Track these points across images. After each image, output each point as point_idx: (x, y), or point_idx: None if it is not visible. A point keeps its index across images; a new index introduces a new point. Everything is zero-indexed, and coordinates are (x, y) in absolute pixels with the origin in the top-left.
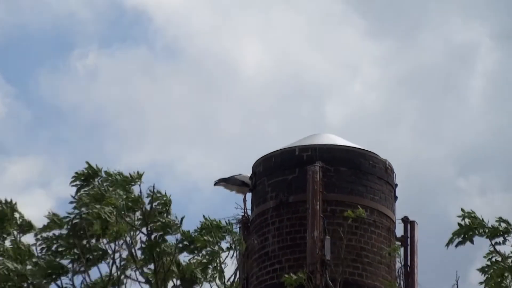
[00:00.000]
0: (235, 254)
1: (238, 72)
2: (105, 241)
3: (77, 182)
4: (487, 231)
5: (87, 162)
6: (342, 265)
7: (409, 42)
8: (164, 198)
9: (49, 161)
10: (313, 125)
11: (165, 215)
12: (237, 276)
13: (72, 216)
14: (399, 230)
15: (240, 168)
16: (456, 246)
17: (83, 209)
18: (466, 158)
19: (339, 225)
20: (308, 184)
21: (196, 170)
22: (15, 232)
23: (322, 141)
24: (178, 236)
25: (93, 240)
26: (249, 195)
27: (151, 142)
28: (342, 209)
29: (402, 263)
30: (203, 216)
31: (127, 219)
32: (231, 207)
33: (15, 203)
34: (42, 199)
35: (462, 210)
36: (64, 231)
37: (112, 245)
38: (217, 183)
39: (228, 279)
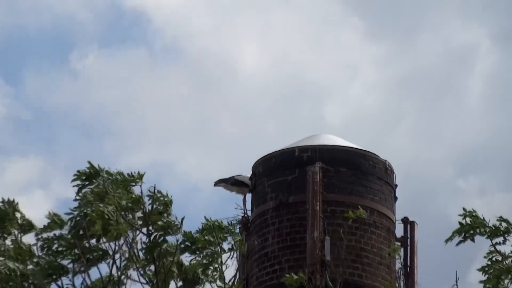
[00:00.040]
0: (235, 255)
1: (237, 72)
2: (105, 240)
3: (78, 182)
4: (488, 230)
5: (89, 162)
6: (342, 266)
7: (409, 43)
8: (165, 199)
9: (49, 161)
10: (313, 125)
11: (165, 215)
12: (237, 277)
13: (75, 213)
14: (399, 231)
15: (240, 168)
16: (457, 244)
17: (87, 207)
18: (465, 158)
19: (339, 226)
20: (308, 184)
21: (195, 171)
22: (16, 232)
23: (322, 142)
24: (179, 236)
25: (94, 241)
26: (249, 196)
27: (150, 142)
28: (342, 210)
29: (402, 263)
30: (205, 217)
31: (128, 218)
32: (231, 207)
33: (17, 203)
34: (42, 200)
35: (464, 209)
36: (64, 231)
37: (113, 245)
38: (217, 183)
39: (230, 280)
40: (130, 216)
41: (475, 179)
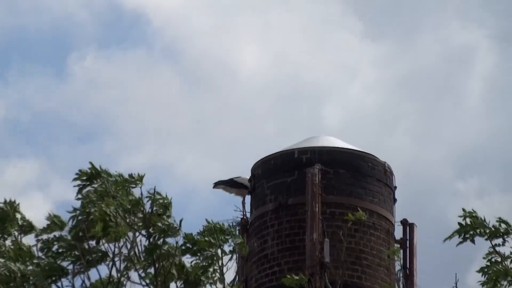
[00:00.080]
0: (234, 257)
1: (237, 73)
2: (104, 242)
3: (79, 182)
4: (487, 231)
5: (91, 162)
6: (342, 268)
7: (408, 43)
8: (165, 201)
9: (47, 163)
10: (312, 127)
11: (165, 217)
12: (237, 279)
13: (78, 212)
14: (398, 233)
15: (239, 170)
16: (457, 245)
17: (90, 206)
18: (464, 159)
19: (338, 228)
20: (307, 186)
21: (194, 172)
22: (16, 233)
23: (321, 144)
24: (178, 238)
25: (93, 243)
26: (248, 198)
27: (149, 144)
28: (341, 212)
29: (401, 265)
30: (206, 220)
31: (128, 220)
32: (230, 209)
33: (18, 204)
34: (40, 202)
35: (464, 210)
36: (64, 233)
37: (112, 246)
38: (216, 185)
39: (230, 283)
40: (132, 217)
41: (474, 180)
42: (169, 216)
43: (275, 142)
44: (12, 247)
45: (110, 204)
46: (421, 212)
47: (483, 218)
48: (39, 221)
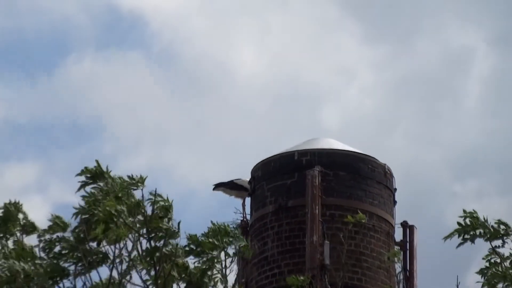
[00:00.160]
0: (235, 259)
1: (235, 75)
2: (105, 244)
3: (83, 178)
4: (487, 232)
5: (97, 161)
6: (343, 270)
7: (406, 46)
8: (166, 204)
9: (46, 166)
10: (310, 128)
11: (166, 220)
12: (237, 281)
13: (83, 209)
14: (398, 235)
15: (239, 172)
16: (457, 246)
17: (95, 206)
18: (463, 161)
19: (338, 230)
20: (307, 188)
21: (194, 174)
22: (18, 234)
23: (321, 146)
24: (178, 240)
25: (94, 244)
26: (248, 200)
27: (147, 146)
28: (341, 214)
29: (402, 267)
30: (211, 221)
31: (128, 221)
32: (230, 211)
33: (21, 204)
34: (39, 204)
35: (464, 210)
36: (67, 234)
37: (113, 248)
38: (216, 187)
39: (233, 286)
40: (132, 219)
41: (472, 183)
42: (170, 219)
43: (274, 144)
44: (14, 247)
45: (114, 205)
46: (420, 213)
47: (484, 219)
48: (39, 223)
